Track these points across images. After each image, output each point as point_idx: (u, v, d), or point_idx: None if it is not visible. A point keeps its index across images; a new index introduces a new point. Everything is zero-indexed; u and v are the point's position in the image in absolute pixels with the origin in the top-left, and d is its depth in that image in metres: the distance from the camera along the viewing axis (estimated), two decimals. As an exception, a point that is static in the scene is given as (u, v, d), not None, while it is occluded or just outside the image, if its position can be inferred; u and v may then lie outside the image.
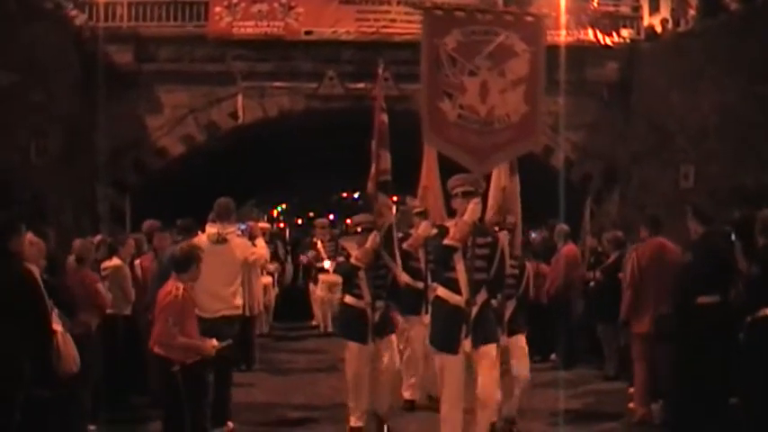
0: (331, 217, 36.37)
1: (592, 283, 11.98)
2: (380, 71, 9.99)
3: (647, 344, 8.94)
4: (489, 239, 7.12)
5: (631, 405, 9.31)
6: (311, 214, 43.74)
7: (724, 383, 7.66)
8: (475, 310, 6.96)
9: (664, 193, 14.95)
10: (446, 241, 6.93)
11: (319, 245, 16.25)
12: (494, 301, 7.30)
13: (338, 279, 15.29)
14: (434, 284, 7.85)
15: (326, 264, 15.64)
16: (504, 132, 7.27)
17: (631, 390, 9.59)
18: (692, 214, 8.35)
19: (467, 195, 7.01)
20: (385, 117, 8.78)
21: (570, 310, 12.21)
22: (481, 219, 7.22)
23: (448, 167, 7.84)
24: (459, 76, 7.16)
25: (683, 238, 9.65)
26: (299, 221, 43.86)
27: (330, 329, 15.58)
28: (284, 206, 46.10)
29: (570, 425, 9.04)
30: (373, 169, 8.62)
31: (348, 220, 18.09)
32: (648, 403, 9.00)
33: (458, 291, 6.99)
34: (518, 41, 7.23)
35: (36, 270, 6.52)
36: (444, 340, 7.07)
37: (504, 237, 7.41)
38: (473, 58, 7.14)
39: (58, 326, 6.72)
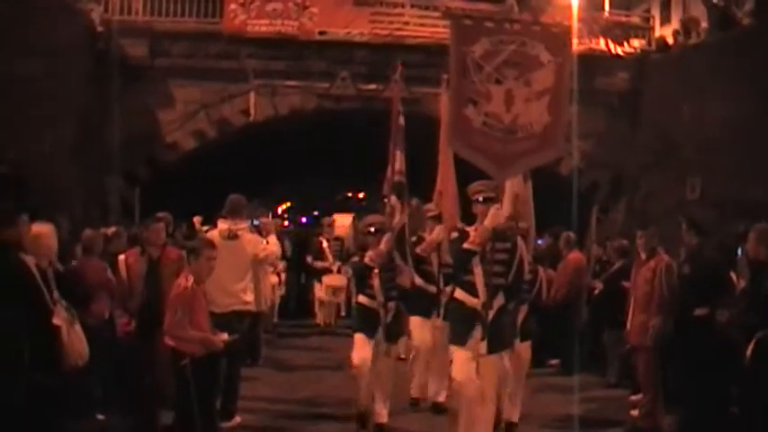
0: (334, 216, 36.31)
1: (596, 291, 12.08)
2: (397, 74, 10.09)
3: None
4: (508, 245, 7.22)
5: (633, 413, 9.40)
6: (316, 213, 43.80)
7: (723, 396, 7.74)
8: (491, 314, 7.06)
9: (670, 204, 15.01)
10: (466, 245, 7.05)
11: (324, 244, 16.32)
12: (510, 306, 7.40)
13: (343, 282, 15.59)
14: (450, 288, 8.01)
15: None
16: (526, 141, 7.35)
17: (633, 397, 9.68)
18: (687, 226, 8.45)
19: (487, 201, 7.13)
20: (402, 119, 8.89)
21: (574, 316, 12.28)
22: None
23: (464, 172, 7.93)
24: (485, 83, 7.24)
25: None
26: (304, 220, 43.85)
27: (332, 329, 15.72)
28: (289, 204, 46.11)
29: (570, 430, 9.11)
30: (389, 170, 8.73)
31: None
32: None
33: (475, 294, 7.11)
34: (544, 52, 7.31)
35: (32, 261, 6.54)
36: (458, 335, 7.18)
37: (522, 243, 7.51)
38: (499, 66, 7.24)
39: (60, 318, 6.76)
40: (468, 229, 7.24)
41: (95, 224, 12.67)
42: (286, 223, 34.60)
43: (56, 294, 6.76)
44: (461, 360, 7.11)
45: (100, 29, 16.07)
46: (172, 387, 7.18)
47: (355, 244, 13.82)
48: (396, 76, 10.20)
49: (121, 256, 8.61)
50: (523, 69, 7.28)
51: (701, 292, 7.93)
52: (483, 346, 7.02)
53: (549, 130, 7.36)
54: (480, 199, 7.20)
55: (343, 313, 16.15)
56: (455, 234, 7.40)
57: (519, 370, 8.47)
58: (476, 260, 7.06)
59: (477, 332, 7.02)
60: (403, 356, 9.40)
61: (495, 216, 7.02)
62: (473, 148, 7.32)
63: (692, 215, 8.88)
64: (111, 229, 10.75)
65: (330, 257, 16.07)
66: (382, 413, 8.60)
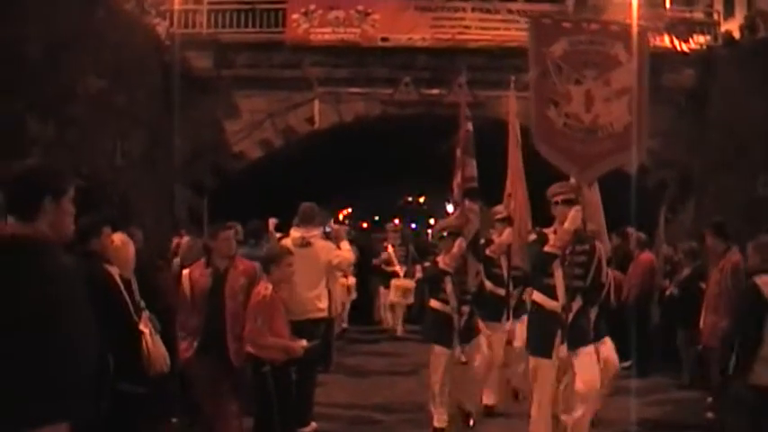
0: (396, 221, 36.48)
1: (668, 293, 11.96)
2: (462, 80, 10.12)
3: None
4: (587, 247, 7.20)
5: (710, 415, 9.28)
6: (376, 218, 43.93)
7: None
8: (570, 316, 7.05)
9: (740, 203, 14.77)
10: (547, 248, 7.04)
11: (390, 249, 16.39)
12: (590, 309, 7.37)
13: (411, 284, 15.64)
14: (529, 290, 7.98)
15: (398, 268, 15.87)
16: (607, 141, 7.33)
17: (709, 399, 9.57)
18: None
19: (567, 203, 7.11)
20: (470, 125, 8.92)
21: (646, 317, 12.17)
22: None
23: (535, 175, 7.92)
24: (565, 84, 7.25)
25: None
26: (365, 225, 44.03)
27: (402, 333, 15.76)
28: (350, 210, 46.32)
29: (648, 435, 9.08)
30: (459, 176, 8.76)
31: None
32: None
33: (554, 297, 7.10)
34: (622, 51, 7.29)
35: (116, 271, 6.62)
36: (539, 344, 7.18)
37: (600, 245, 7.47)
38: (579, 66, 7.23)
39: (146, 327, 6.91)
40: (545, 231, 7.24)
41: (166, 235, 12.97)
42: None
43: (140, 303, 6.91)
44: (543, 370, 7.12)
45: (166, 43, 16.35)
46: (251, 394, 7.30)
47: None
48: (460, 81, 10.22)
49: (185, 271, 7.87)
50: (602, 69, 7.27)
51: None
52: (563, 350, 7.02)
53: (630, 129, 7.32)
54: (560, 201, 7.18)
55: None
56: (533, 236, 7.39)
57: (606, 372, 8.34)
58: (556, 263, 7.05)
59: (558, 339, 7.02)
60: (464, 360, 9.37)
61: (575, 218, 7.00)
62: (556, 149, 7.31)
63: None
64: (185, 239, 10.94)
65: (396, 262, 16.15)
66: (441, 417, 8.61)
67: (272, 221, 11.31)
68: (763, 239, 7.37)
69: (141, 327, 6.75)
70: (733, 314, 7.79)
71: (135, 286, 7.00)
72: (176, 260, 9.56)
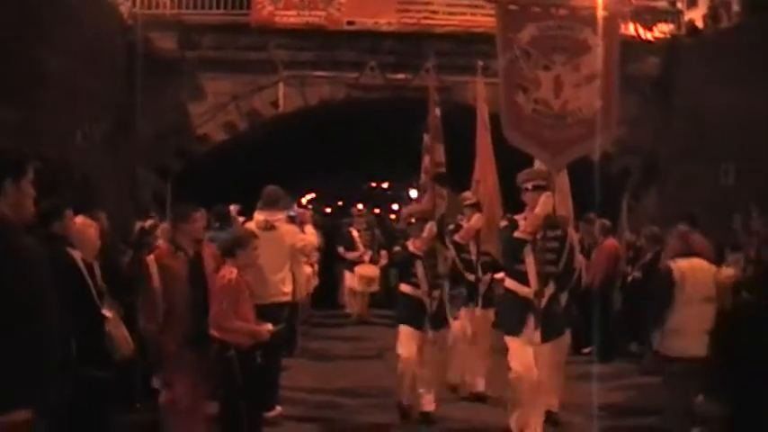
0: (360, 206, 36.38)
1: (630, 278, 12.06)
2: (429, 64, 10.09)
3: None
4: (559, 233, 7.22)
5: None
6: (340, 203, 43.81)
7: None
8: (543, 302, 7.06)
9: (703, 191, 14.91)
10: (517, 234, 7.04)
11: (355, 233, 16.34)
12: (560, 294, 7.40)
13: (375, 272, 15.62)
14: (488, 276, 7.97)
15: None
16: (577, 127, 7.34)
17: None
18: (758, 214, 8.47)
19: (537, 189, 7.11)
20: (438, 110, 8.89)
21: (609, 303, 12.27)
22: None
23: (505, 161, 7.91)
24: (534, 70, 7.24)
25: (721, 235, 9.75)
26: (328, 210, 43.91)
27: (367, 318, 15.75)
28: (314, 195, 46.15)
29: (611, 419, 9.13)
30: (427, 161, 8.74)
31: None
32: None
33: (527, 283, 7.10)
34: (592, 36, 7.28)
35: (78, 255, 6.55)
36: (511, 324, 7.19)
37: (572, 230, 7.49)
38: (547, 52, 7.21)
39: (109, 311, 6.83)
40: (516, 217, 7.23)
41: (129, 218, 12.83)
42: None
43: (102, 287, 6.81)
44: (518, 350, 7.13)
45: (129, 23, 16.12)
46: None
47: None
48: (428, 66, 10.19)
49: (151, 257, 7.46)
50: (571, 54, 7.27)
51: (759, 280, 7.87)
52: (537, 336, 7.03)
53: (600, 115, 7.33)
54: (530, 187, 7.18)
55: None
56: (504, 223, 7.39)
57: (559, 358, 8.47)
58: (528, 249, 7.05)
59: (531, 321, 7.03)
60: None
61: (545, 204, 7.00)
62: (525, 135, 7.30)
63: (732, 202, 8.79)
64: (149, 222, 10.82)
65: (361, 247, 16.10)
66: (429, 401, 8.64)
67: (234, 208, 11.26)
68: (680, 229, 8.06)
69: (104, 311, 6.68)
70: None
71: (98, 270, 6.91)
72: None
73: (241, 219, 10.68)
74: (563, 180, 8.33)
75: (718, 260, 8.90)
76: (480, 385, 9.65)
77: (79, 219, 7.05)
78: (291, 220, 10.48)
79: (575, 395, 9.38)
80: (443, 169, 8.74)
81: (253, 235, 7.61)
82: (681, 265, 7.61)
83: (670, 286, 7.52)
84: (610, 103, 7.42)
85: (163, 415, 7.23)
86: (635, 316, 11.71)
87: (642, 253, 12.22)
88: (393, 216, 30.39)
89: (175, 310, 7.17)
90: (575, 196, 8.52)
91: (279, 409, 8.74)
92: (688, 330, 7.49)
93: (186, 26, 16.55)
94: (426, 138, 8.92)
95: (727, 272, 8.56)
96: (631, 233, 13.32)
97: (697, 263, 7.70)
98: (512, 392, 7.42)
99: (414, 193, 42.99)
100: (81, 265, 6.57)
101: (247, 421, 7.08)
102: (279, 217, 9.02)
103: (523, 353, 7.07)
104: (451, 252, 9.08)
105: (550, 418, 8.36)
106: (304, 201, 42.82)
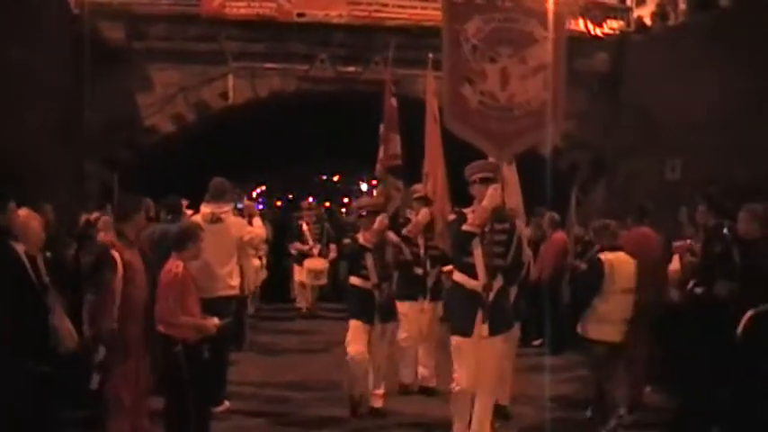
0: (310, 200, 36.29)
1: (578, 271, 12.14)
2: (384, 56, 10.06)
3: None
4: (507, 225, 7.21)
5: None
6: (290, 196, 43.69)
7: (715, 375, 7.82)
8: (491, 295, 7.06)
9: (650, 185, 15.10)
10: (465, 227, 7.02)
11: (305, 227, 16.26)
12: (509, 287, 7.40)
13: (324, 266, 15.57)
14: (436, 269, 7.93)
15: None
16: (524, 119, 7.34)
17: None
18: (707, 207, 8.59)
19: (485, 182, 7.10)
20: (394, 101, 8.86)
21: (558, 296, 12.36)
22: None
23: (453, 154, 7.90)
24: (480, 62, 7.22)
25: (668, 228, 9.89)
26: (279, 203, 43.74)
27: (315, 312, 15.70)
28: (263, 188, 45.96)
29: (563, 410, 9.23)
30: (382, 153, 8.71)
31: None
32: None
33: (475, 276, 7.09)
34: (538, 28, 7.29)
35: (21, 248, 6.48)
36: (460, 323, 7.18)
37: (521, 223, 7.51)
38: (494, 44, 7.20)
39: (53, 305, 6.71)
40: (465, 210, 7.22)
41: (75, 210, 12.61)
42: (260, 206, 34.49)
43: (46, 280, 6.70)
44: (464, 348, 7.13)
45: (75, 11, 15.86)
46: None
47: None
48: (382, 58, 10.16)
49: (114, 251, 6.89)
50: (518, 46, 7.27)
51: (706, 272, 8.02)
52: (485, 329, 7.03)
53: (546, 107, 7.34)
54: (478, 180, 7.17)
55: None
56: (452, 216, 7.38)
57: (508, 351, 8.50)
58: (475, 242, 7.04)
59: (479, 315, 7.03)
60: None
61: (493, 196, 6.99)
62: (471, 127, 7.29)
63: (711, 196, 8.91)
64: (95, 215, 10.65)
65: (310, 240, 16.04)
66: (378, 397, 8.63)
67: (185, 202, 11.11)
68: (605, 223, 8.54)
69: (48, 304, 6.57)
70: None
71: (41, 263, 6.79)
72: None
73: (189, 212, 10.55)
74: (511, 173, 8.35)
75: (666, 252, 9.09)
76: (430, 379, 9.65)
77: (23, 211, 6.92)
78: (239, 212, 10.40)
79: (526, 387, 9.47)
80: (399, 161, 8.74)
81: (198, 228, 7.52)
82: (609, 257, 8.16)
83: (600, 276, 8.09)
84: (557, 96, 7.44)
85: (106, 411, 7.08)
86: (583, 309, 11.82)
87: (590, 246, 12.30)
88: (344, 209, 30.32)
89: (133, 305, 6.90)
90: (525, 191, 8.55)
91: (227, 403, 8.69)
92: (611, 317, 8.14)
93: (135, 16, 16.33)
94: (381, 128, 8.89)
95: (674, 265, 8.80)
96: (580, 227, 13.42)
97: (622, 256, 8.24)
98: (452, 404, 7.41)
99: (365, 187, 43.15)
100: (24, 258, 6.47)
101: (195, 416, 7.02)
102: (225, 209, 8.93)
103: (469, 351, 7.08)
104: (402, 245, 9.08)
105: (500, 411, 8.37)
106: (254, 194, 42.73)
